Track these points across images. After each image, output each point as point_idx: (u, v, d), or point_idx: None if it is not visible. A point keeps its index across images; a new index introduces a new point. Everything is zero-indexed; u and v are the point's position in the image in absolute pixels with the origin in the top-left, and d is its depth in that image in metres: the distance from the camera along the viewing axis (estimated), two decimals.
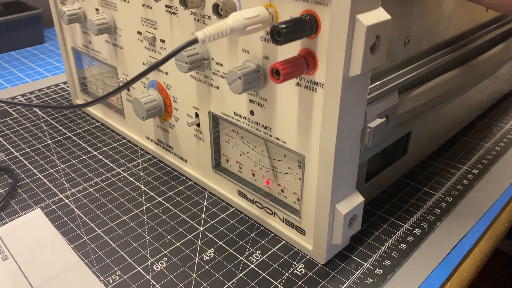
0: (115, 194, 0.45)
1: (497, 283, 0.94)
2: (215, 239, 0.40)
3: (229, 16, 0.29)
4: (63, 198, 0.45)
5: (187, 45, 0.29)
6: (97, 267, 0.36)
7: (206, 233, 0.40)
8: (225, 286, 0.35)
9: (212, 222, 0.42)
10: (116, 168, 0.50)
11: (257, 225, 0.41)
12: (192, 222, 0.41)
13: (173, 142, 0.48)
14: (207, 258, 0.38)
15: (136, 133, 0.54)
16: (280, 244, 0.39)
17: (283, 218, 0.39)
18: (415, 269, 0.36)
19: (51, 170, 0.49)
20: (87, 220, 0.42)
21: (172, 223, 0.41)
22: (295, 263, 0.37)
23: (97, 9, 0.50)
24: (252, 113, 0.37)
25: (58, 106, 0.56)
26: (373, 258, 0.37)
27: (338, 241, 0.35)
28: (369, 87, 0.33)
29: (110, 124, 0.57)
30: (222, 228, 0.41)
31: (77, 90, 0.62)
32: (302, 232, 0.38)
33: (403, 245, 0.38)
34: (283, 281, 0.35)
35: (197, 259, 0.37)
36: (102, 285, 0.35)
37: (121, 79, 0.52)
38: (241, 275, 0.36)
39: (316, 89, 0.31)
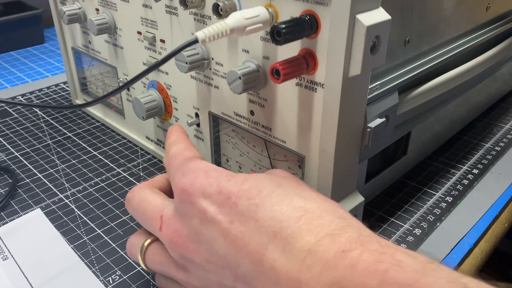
0: (115, 194, 0.45)
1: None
2: None
3: (229, 16, 0.29)
4: (63, 198, 0.45)
5: (187, 45, 0.29)
6: (97, 267, 0.36)
7: None
8: None
9: None
10: (116, 168, 0.50)
11: None
12: None
13: None
14: None
15: (136, 133, 0.54)
16: None
17: None
18: None
19: (51, 170, 0.49)
20: (87, 220, 0.42)
21: None
22: None
23: (97, 9, 0.50)
24: (252, 113, 0.37)
25: (58, 106, 0.56)
26: None
27: None
28: (369, 87, 0.33)
29: (110, 124, 0.57)
30: None
31: (77, 90, 0.62)
32: None
33: (403, 245, 0.38)
34: None
35: None
36: (102, 285, 0.35)
37: (121, 79, 0.52)
38: None
39: (316, 89, 0.31)
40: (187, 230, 0.28)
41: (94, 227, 0.41)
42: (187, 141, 0.35)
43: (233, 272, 0.26)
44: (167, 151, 0.34)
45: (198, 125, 0.44)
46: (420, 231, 0.40)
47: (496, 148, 0.52)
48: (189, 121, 0.43)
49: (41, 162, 0.50)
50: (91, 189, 0.46)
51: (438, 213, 0.42)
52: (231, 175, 0.28)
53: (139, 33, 0.45)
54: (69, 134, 0.56)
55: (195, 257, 0.27)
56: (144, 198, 0.32)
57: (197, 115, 0.43)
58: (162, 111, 0.47)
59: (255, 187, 0.26)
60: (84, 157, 0.52)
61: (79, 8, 0.52)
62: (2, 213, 0.43)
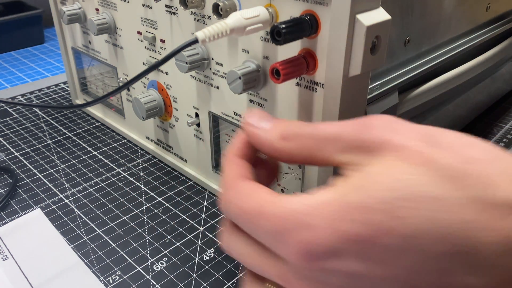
0: (115, 194, 0.45)
1: None
2: (215, 239, 0.40)
3: (229, 16, 0.29)
4: (63, 198, 0.45)
5: (187, 45, 0.29)
6: (97, 267, 0.36)
7: (206, 233, 0.40)
8: (225, 286, 0.35)
9: (212, 222, 0.42)
10: (116, 168, 0.50)
11: None
12: (192, 222, 0.41)
13: (173, 142, 0.48)
14: (207, 258, 0.38)
15: (136, 133, 0.54)
16: None
17: None
18: None
19: (51, 170, 0.49)
20: (87, 220, 0.42)
21: (172, 223, 0.41)
22: None
23: (97, 9, 0.50)
24: None
25: (58, 106, 0.56)
26: None
27: None
28: (369, 87, 0.33)
29: (110, 124, 0.57)
30: None
31: (77, 90, 0.62)
32: None
33: None
34: None
35: (197, 259, 0.37)
36: (102, 285, 0.35)
37: (121, 79, 0.52)
38: (241, 275, 0.36)
39: (316, 89, 0.31)
40: None
41: (94, 227, 0.41)
42: (247, 168, 0.24)
43: None
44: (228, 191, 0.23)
45: (198, 125, 0.44)
46: None
47: None
48: (189, 121, 0.43)
49: (41, 162, 0.50)
50: (91, 189, 0.46)
51: None
52: (335, 210, 0.19)
53: (139, 33, 0.45)
54: (69, 134, 0.56)
55: None
56: (241, 253, 0.24)
57: (197, 115, 0.43)
58: (162, 111, 0.47)
59: (389, 215, 0.19)
60: (84, 157, 0.52)
61: (79, 8, 0.52)
62: (2, 213, 0.43)
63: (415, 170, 0.19)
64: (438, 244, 0.19)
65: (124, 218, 0.42)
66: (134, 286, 0.35)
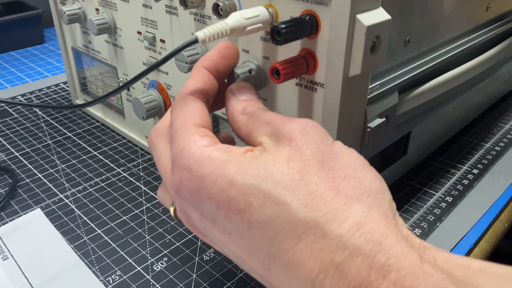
0: (115, 194, 0.45)
1: None
2: None
3: (229, 16, 0.29)
4: (63, 198, 0.45)
5: (187, 45, 0.29)
6: (97, 267, 0.36)
7: None
8: (225, 286, 0.35)
9: None
10: (116, 168, 0.50)
11: None
12: None
13: None
14: (207, 258, 0.38)
15: (136, 133, 0.54)
16: None
17: None
18: None
19: (51, 170, 0.49)
20: (87, 220, 0.42)
21: (172, 223, 0.41)
22: None
23: (97, 9, 0.50)
24: None
25: (58, 106, 0.56)
26: None
27: None
28: (369, 87, 0.33)
29: (110, 124, 0.57)
30: None
31: (77, 90, 0.62)
32: None
33: None
34: None
35: (197, 259, 0.37)
36: (102, 285, 0.35)
37: (121, 79, 0.52)
38: (241, 275, 0.36)
39: (316, 89, 0.31)
40: (194, 224, 0.25)
41: (94, 227, 0.41)
42: (198, 101, 0.27)
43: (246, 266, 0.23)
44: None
45: None
46: (420, 231, 0.40)
47: (496, 148, 0.52)
48: None
49: (41, 162, 0.50)
50: (91, 189, 0.46)
51: (438, 213, 0.42)
52: (212, 169, 0.22)
53: (139, 33, 0.45)
54: (69, 134, 0.56)
55: (212, 245, 0.26)
56: (157, 155, 0.28)
57: None
58: (162, 111, 0.47)
59: (243, 196, 0.21)
60: (84, 157, 0.52)
61: (79, 8, 0.52)
62: (2, 213, 0.43)
63: (290, 172, 0.21)
64: (266, 240, 0.21)
65: (124, 218, 0.42)
66: (134, 286, 0.35)
